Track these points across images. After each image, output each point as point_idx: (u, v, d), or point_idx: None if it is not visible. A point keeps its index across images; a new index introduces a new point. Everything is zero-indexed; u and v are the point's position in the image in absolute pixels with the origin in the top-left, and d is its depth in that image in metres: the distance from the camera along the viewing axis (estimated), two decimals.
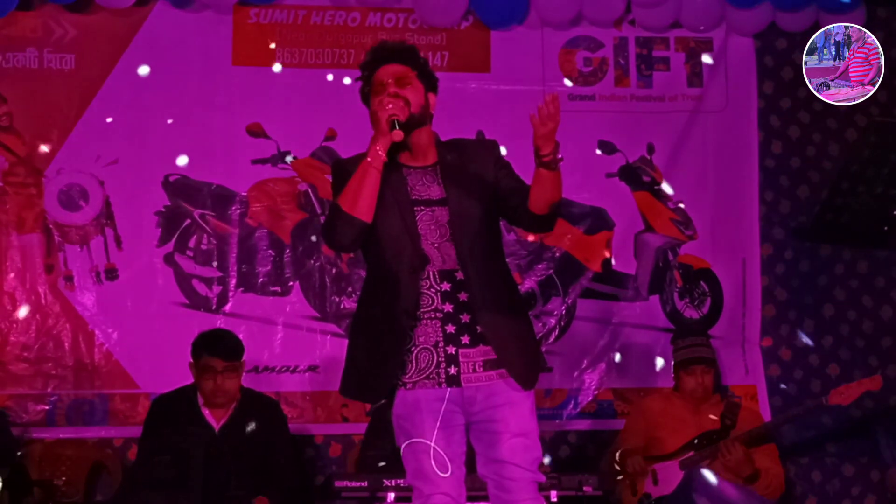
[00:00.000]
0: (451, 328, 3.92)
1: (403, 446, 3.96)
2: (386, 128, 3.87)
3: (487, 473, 3.99)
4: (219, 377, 5.87)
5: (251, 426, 5.93)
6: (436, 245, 3.94)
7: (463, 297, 3.93)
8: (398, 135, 3.87)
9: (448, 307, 3.92)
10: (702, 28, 7.27)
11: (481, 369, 3.94)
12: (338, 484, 5.56)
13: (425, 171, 4.03)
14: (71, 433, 6.65)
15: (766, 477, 6.15)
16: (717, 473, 5.97)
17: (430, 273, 3.93)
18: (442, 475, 3.88)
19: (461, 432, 3.97)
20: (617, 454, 6.31)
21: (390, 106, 3.89)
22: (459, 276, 3.93)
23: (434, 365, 3.91)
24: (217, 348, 5.92)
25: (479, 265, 3.96)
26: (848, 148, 7.22)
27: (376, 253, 3.98)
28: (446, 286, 3.93)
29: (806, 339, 7.23)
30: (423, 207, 3.97)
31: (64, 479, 6.45)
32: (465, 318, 3.93)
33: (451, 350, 3.92)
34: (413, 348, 3.93)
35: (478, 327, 3.93)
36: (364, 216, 3.88)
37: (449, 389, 3.92)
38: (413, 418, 3.91)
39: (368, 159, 3.88)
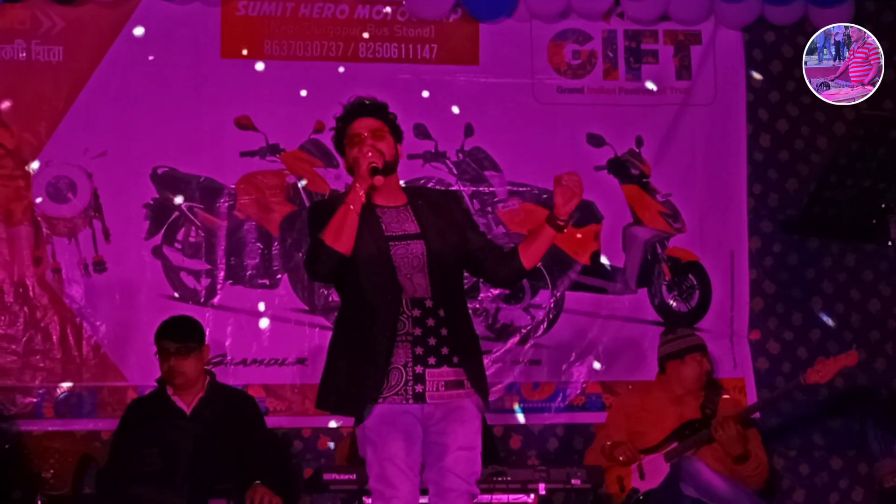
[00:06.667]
0: (419, 350, 4.30)
1: (368, 454, 4.29)
2: (367, 173, 4.29)
3: (429, 479, 4.36)
4: (172, 359, 5.91)
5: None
6: (408, 276, 4.33)
7: (430, 322, 4.32)
8: (379, 180, 4.32)
9: (417, 331, 4.31)
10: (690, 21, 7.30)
11: (443, 388, 4.32)
12: (326, 477, 5.56)
13: (398, 209, 4.46)
14: (59, 426, 6.64)
15: (755, 459, 6.17)
16: (704, 462, 5.99)
17: (403, 300, 4.31)
18: (402, 482, 4.22)
19: (420, 444, 4.33)
20: (606, 447, 6.31)
21: (370, 154, 4.31)
22: (429, 303, 4.33)
23: (403, 383, 4.28)
24: (168, 331, 5.99)
25: (448, 294, 4.37)
26: (836, 141, 7.23)
27: (354, 282, 4.35)
28: (417, 312, 4.32)
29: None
30: (397, 242, 4.37)
31: (52, 471, 6.42)
32: (431, 341, 4.31)
33: (419, 370, 4.30)
34: (387, 367, 4.30)
35: (444, 349, 4.32)
36: (344, 250, 4.27)
37: (414, 405, 4.30)
38: (379, 429, 4.26)
39: (348, 202, 4.28)
